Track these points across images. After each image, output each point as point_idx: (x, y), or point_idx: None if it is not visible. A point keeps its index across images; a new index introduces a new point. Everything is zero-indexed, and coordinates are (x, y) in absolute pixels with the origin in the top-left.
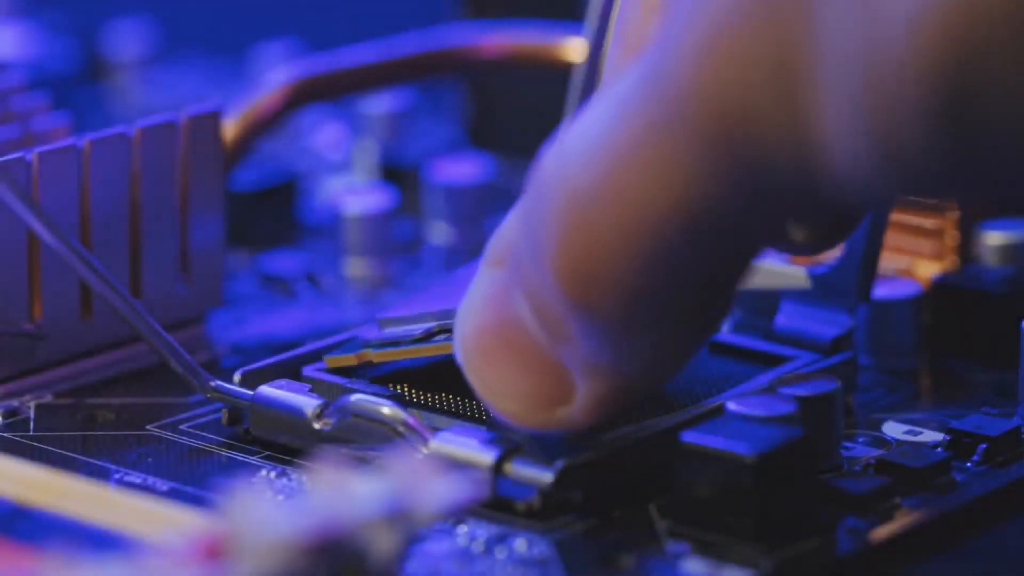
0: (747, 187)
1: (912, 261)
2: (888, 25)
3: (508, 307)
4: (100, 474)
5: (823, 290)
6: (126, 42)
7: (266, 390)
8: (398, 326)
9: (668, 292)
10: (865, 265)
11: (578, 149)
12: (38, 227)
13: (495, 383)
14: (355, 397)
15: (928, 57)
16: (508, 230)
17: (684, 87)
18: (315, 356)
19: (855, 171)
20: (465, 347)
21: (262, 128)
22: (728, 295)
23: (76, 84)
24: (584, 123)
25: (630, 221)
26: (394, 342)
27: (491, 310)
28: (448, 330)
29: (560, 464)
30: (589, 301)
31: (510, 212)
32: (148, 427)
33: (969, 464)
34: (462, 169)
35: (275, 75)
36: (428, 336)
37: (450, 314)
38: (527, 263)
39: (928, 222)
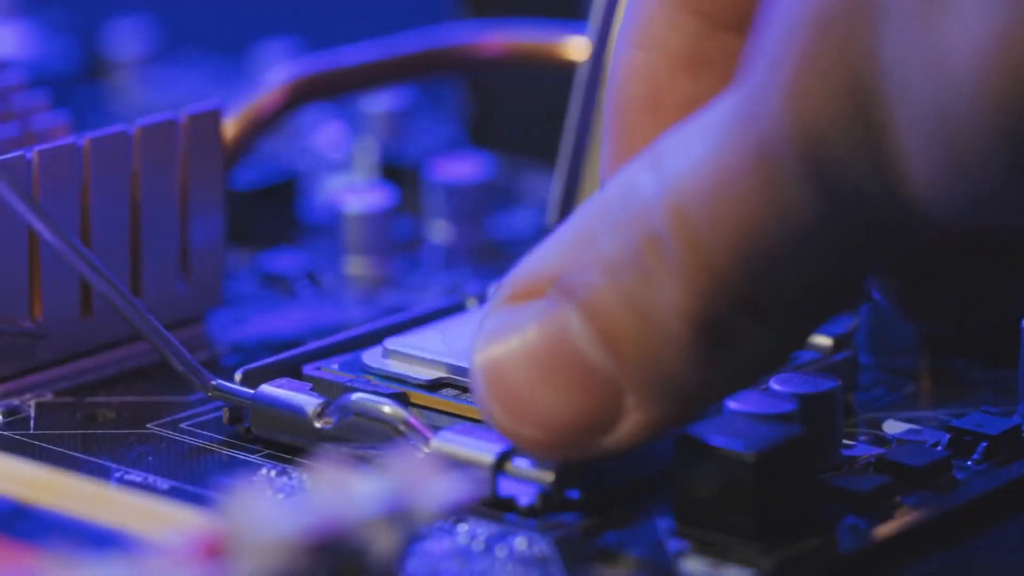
0: (848, 215)
1: None
2: (955, 73)
3: (563, 332)
4: (101, 473)
5: None
6: (126, 41)
7: (267, 389)
8: (405, 363)
9: (780, 308)
10: None
11: (682, 169)
12: (38, 226)
13: (535, 410)
14: (356, 396)
15: (997, 102)
16: (547, 260)
17: (776, 124)
18: (316, 355)
19: (940, 206)
20: (498, 376)
21: (262, 127)
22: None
23: (76, 83)
24: (683, 144)
25: (744, 240)
26: (398, 379)
27: (542, 337)
28: (456, 386)
29: (560, 463)
30: (707, 316)
31: (542, 244)
32: (149, 426)
33: (969, 463)
34: (462, 168)
35: (275, 74)
36: (435, 386)
37: (462, 371)
38: (596, 283)
39: None
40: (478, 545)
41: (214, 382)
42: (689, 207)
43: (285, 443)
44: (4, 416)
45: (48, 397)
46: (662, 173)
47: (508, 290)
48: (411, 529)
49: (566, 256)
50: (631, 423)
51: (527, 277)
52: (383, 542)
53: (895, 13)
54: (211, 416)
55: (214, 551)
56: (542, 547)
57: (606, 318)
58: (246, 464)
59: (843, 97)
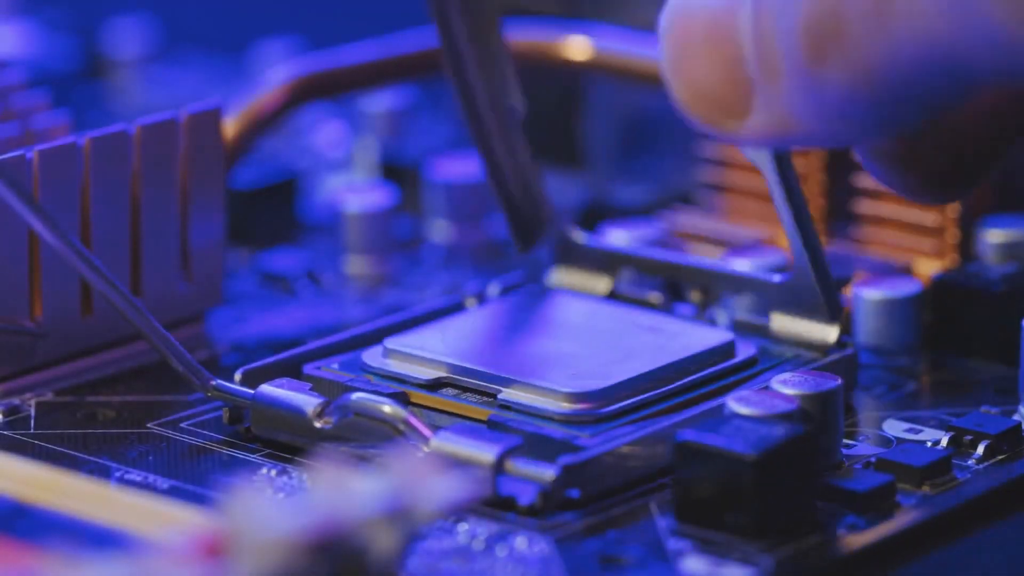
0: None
1: (913, 259)
2: None
3: (733, 12)
4: (101, 472)
5: (797, 305)
6: (126, 40)
7: (267, 388)
8: (405, 363)
9: (887, 88)
10: (822, 282)
11: None
12: (38, 226)
13: (686, 73)
14: (356, 395)
15: None
16: None
17: None
18: (316, 355)
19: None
20: (671, 29)
21: (262, 126)
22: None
23: (76, 82)
24: None
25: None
26: (398, 379)
27: (717, 7)
28: (456, 386)
29: (562, 462)
30: (822, 61)
31: None
32: (149, 425)
33: (970, 462)
34: (462, 167)
35: (275, 73)
36: (435, 385)
37: (462, 371)
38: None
39: (929, 219)
40: (478, 544)
41: (214, 382)
42: None
43: (285, 443)
44: (4, 415)
45: (48, 396)
46: None
47: None
48: (411, 528)
49: None
50: (757, 121)
51: None
52: (383, 542)
53: None
54: (211, 416)
55: (214, 550)
56: (542, 547)
57: (766, 18)
58: (246, 464)
59: None
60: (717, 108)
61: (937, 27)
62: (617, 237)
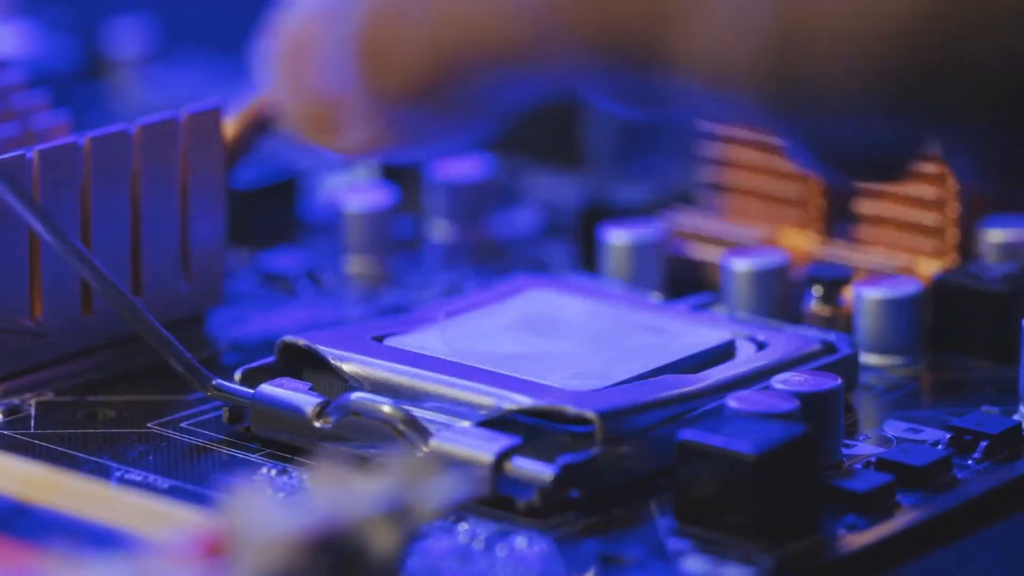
0: None
1: (912, 258)
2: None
3: (315, 34)
4: (101, 472)
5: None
6: (126, 40)
7: (267, 388)
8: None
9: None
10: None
11: None
12: (38, 226)
13: (287, 92)
14: (356, 395)
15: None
16: None
17: None
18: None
19: None
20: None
21: (263, 126)
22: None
23: (76, 82)
24: None
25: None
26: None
27: (300, 26)
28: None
29: (561, 462)
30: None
31: None
32: (149, 425)
33: (970, 462)
34: (462, 167)
35: None
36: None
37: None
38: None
39: (929, 219)
40: (478, 544)
41: (214, 381)
42: None
43: (285, 442)
44: (5, 415)
45: (49, 396)
46: None
47: None
48: (411, 528)
49: None
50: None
51: None
52: (383, 541)
53: None
54: (211, 416)
55: (214, 550)
56: (542, 547)
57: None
58: (246, 463)
59: None
60: (319, 127)
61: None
62: (616, 236)
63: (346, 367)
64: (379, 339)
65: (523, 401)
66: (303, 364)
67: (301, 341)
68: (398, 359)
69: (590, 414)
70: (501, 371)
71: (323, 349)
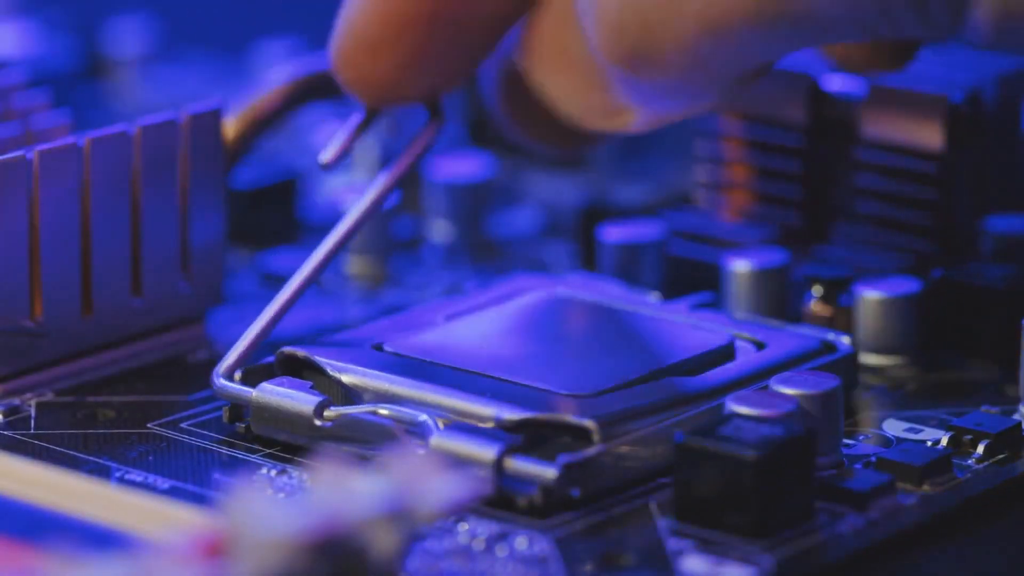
0: None
1: (912, 258)
2: None
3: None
4: (101, 472)
5: None
6: (127, 40)
7: (267, 387)
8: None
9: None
10: None
11: None
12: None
13: (554, 89)
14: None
15: None
16: None
17: None
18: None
19: None
20: (527, 50)
21: (263, 126)
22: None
23: (77, 82)
24: None
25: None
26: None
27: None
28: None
29: (562, 461)
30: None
31: None
32: (149, 425)
33: (970, 461)
34: (463, 167)
35: (275, 73)
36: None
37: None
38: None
39: (928, 218)
40: (478, 544)
41: (214, 381)
42: None
43: (285, 442)
44: (5, 415)
45: (49, 396)
46: None
47: None
48: (412, 528)
49: None
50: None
51: None
52: (383, 541)
53: None
54: (211, 416)
55: (214, 550)
56: (542, 547)
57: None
58: (246, 463)
59: None
60: (602, 114)
61: None
62: (616, 236)
63: (345, 378)
64: (378, 347)
65: (522, 413)
66: (303, 367)
67: (300, 352)
68: (397, 369)
69: (588, 423)
70: (501, 377)
71: (322, 360)
